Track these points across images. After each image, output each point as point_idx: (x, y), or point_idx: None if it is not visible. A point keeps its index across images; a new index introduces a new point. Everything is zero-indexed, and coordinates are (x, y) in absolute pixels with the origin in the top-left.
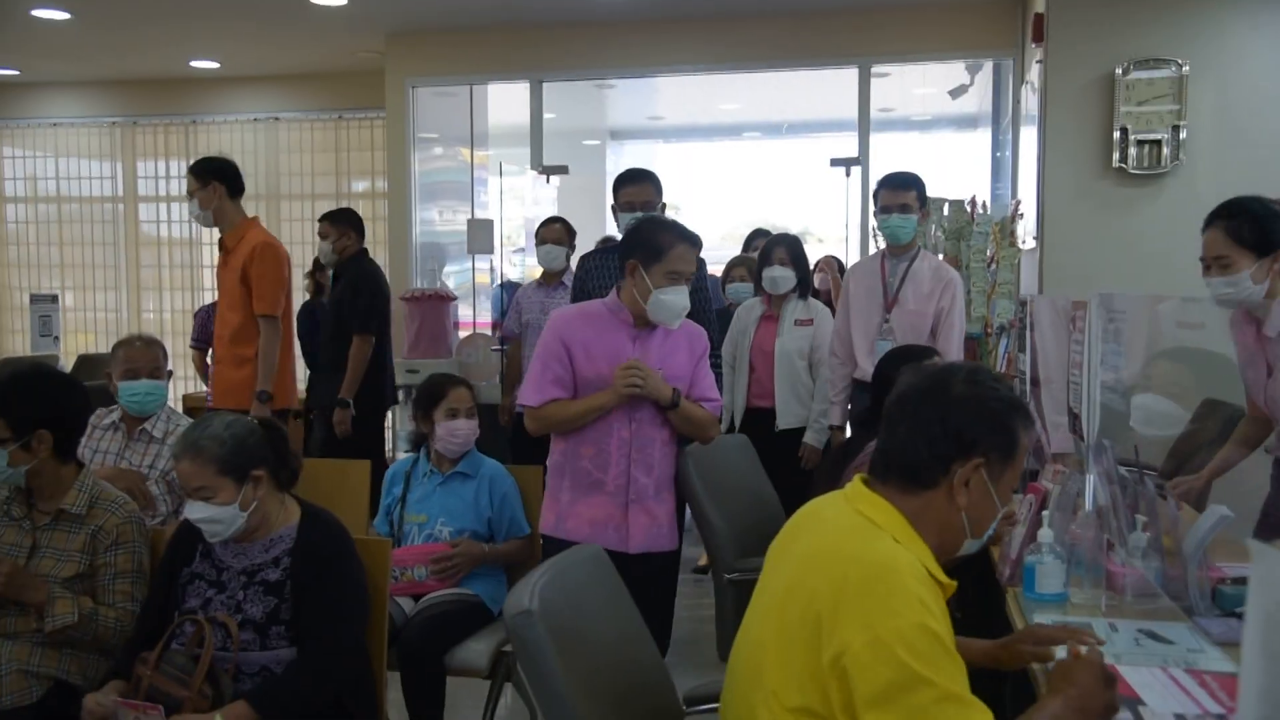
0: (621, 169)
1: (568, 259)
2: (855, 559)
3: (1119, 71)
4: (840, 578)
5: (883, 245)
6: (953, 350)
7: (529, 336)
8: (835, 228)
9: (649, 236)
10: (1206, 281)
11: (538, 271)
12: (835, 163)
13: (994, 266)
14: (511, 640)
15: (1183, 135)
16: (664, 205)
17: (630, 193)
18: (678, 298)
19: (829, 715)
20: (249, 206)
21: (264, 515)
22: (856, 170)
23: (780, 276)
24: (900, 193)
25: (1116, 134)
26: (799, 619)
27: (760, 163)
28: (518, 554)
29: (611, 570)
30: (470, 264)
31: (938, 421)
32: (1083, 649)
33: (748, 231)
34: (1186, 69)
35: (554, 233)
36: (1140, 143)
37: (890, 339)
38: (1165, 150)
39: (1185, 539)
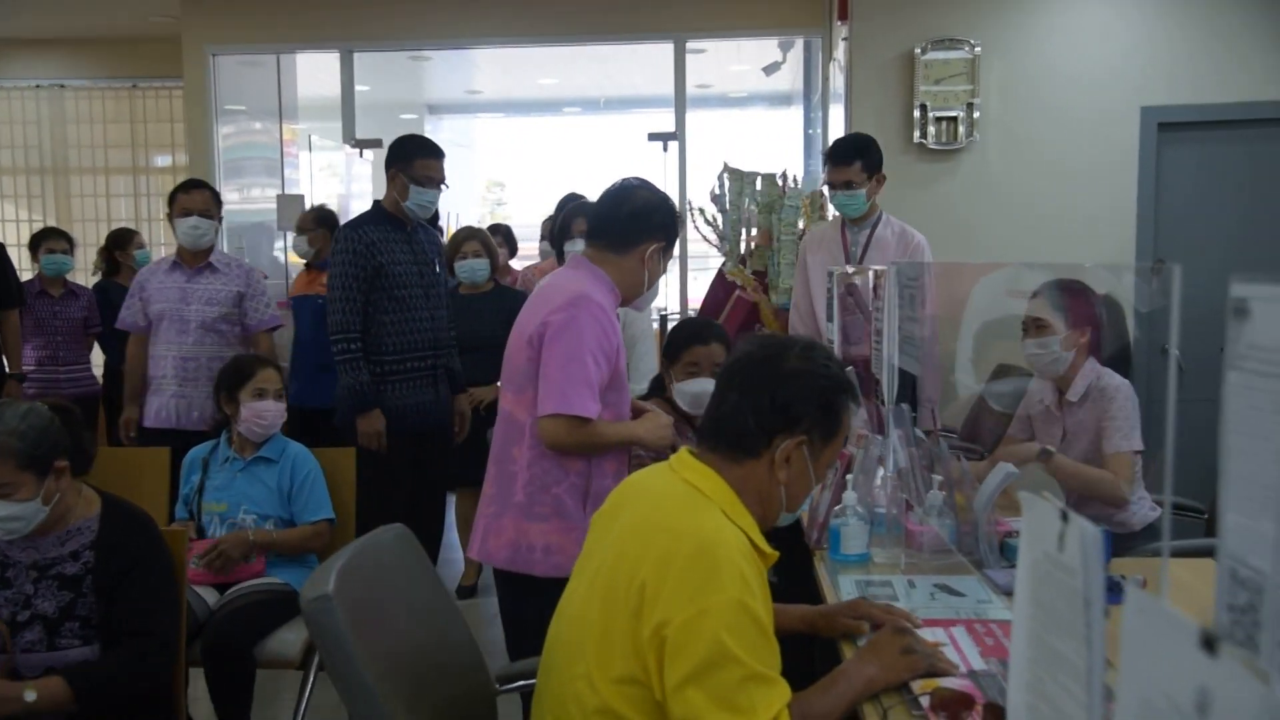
0: (440, 143)
1: (217, 235)
2: (684, 532)
3: (918, 51)
4: (667, 550)
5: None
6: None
7: (163, 333)
8: None
9: (671, 218)
10: (1022, 344)
11: None
12: (653, 137)
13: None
14: (308, 627)
15: (976, 114)
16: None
17: (430, 166)
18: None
19: (650, 685)
20: (33, 181)
21: (66, 507)
22: (674, 145)
23: None
24: (841, 169)
25: (917, 111)
26: (625, 589)
27: (580, 138)
28: (313, 540)
29: (418, 550)
30: (283, 242)
31: (767, 393)
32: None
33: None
34: (978, 49)
35: (200, 201)
36: (938, 120)
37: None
38: (961, 127)
39: (976, 496)
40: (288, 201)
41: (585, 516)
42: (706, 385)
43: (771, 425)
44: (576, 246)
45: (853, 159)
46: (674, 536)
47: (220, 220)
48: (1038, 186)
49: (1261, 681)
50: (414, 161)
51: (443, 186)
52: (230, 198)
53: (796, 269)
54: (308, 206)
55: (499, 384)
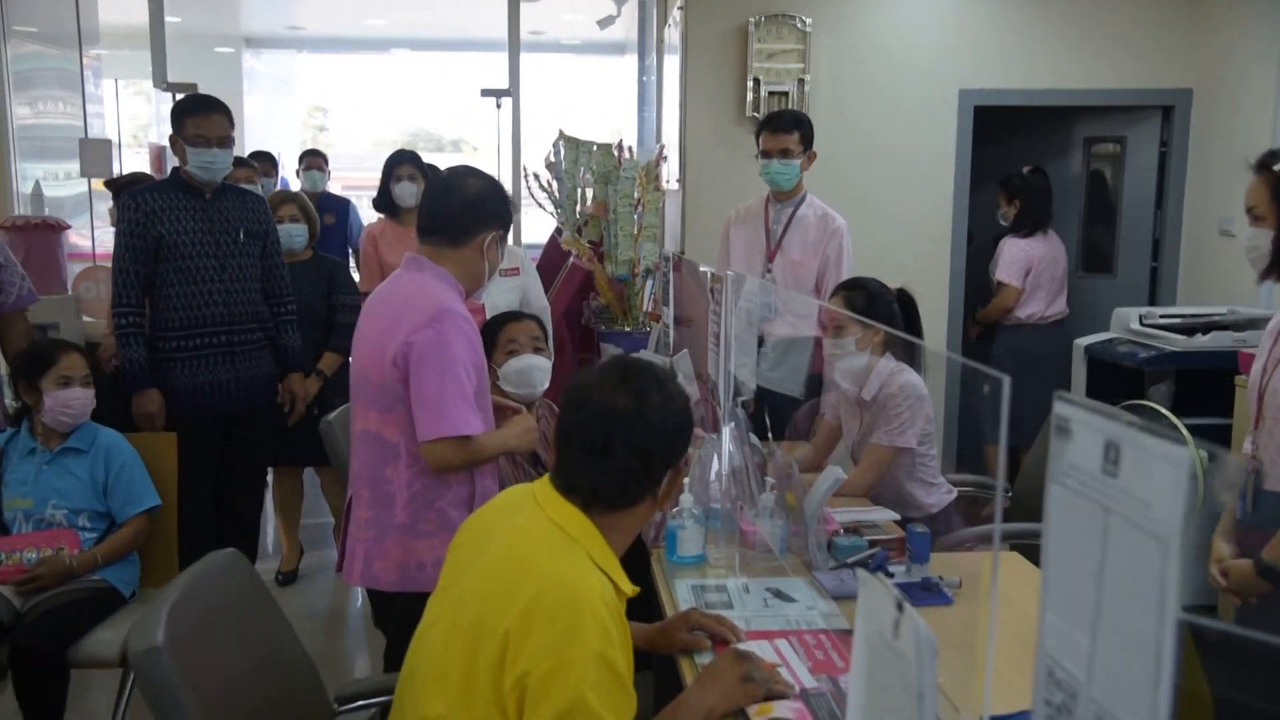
0: (258, 80)
1: None
2: (550, 579)
3: (751, 25)
4: (532, 600)
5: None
6: None
7: None
8: (488, 151)
9: (504, 204)
10: (824, 344)
11: None
12: (485, 93)
13: (640, 210)
14: (139, 683)
15: (807, 89)
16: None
17: (202, 124)
18: None
19: None
20: None
21: None
22: (508, 101)
23: None
24: (781, 136)
25: (750, 84)
26: (489, 636)
27: (410, 77)
28: (137, 539)
29: (250, 573)
30: (88, 188)
31: (652, 449)
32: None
33: (400, 140)
34: (809, 26)
35: None
36: (771, 94)
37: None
38: (792, 103)
39: (806, 500)
40: (92, 146)
41: (416, 535)
42: (528, 360)
43: (660, 473)
44: (405, 189)
45: (791, 129)
46: (539, 584)
47: None
48: (864, 162)
49: None
50: (184, 123)
51: (227, 142)
52: (24, 129)
53: (719, 243)
54: (115, 152)
55: (316, 373)
